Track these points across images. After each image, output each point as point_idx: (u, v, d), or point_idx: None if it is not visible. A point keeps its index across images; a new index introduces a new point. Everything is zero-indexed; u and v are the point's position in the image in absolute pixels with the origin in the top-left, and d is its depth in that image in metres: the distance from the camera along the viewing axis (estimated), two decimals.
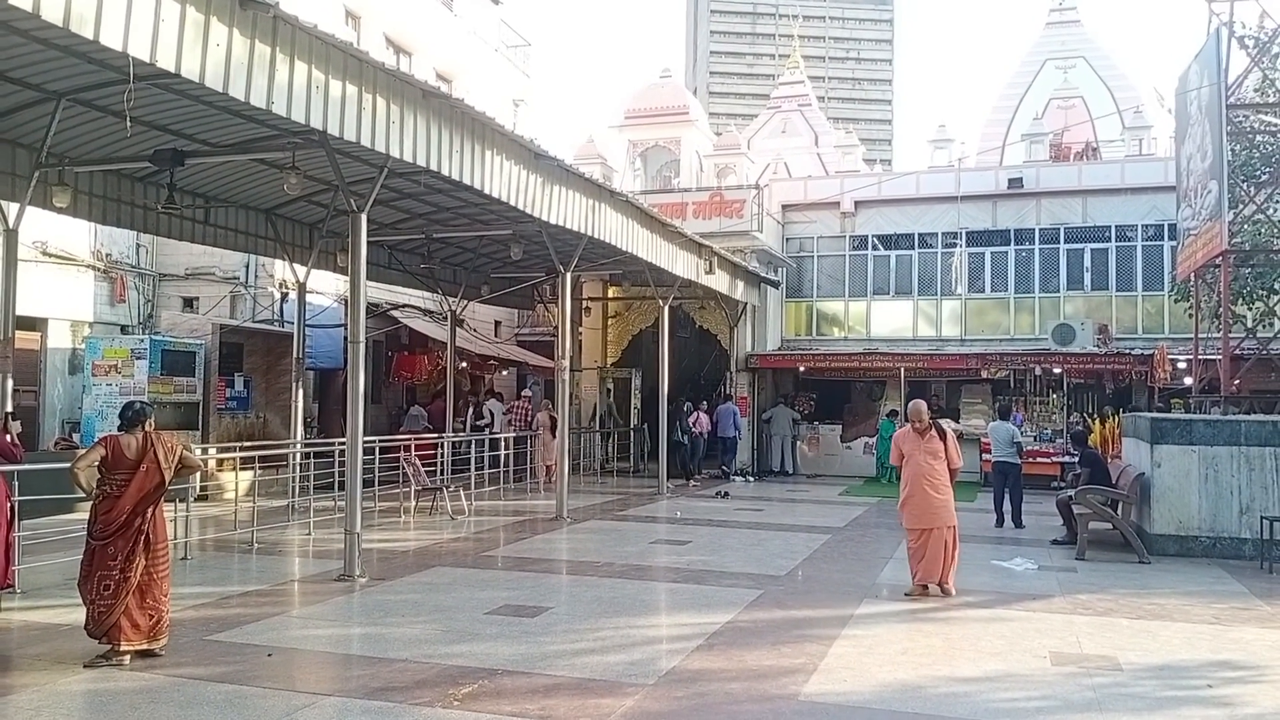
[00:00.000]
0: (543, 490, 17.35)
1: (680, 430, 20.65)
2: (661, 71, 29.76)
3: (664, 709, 5.75)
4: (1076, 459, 14.18)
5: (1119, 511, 11.94)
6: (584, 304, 23.83)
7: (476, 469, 16.49)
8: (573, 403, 20.77)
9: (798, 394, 24.10)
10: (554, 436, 20.07)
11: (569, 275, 14.92)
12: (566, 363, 15.35)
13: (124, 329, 18.80)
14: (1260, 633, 7.89)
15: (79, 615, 7.78)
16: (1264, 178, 17.57)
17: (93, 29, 6.09)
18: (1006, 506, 14.12)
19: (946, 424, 9.87)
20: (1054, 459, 19.81)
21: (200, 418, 16.65)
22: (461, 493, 14.90)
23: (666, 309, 18.89)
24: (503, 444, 17.77)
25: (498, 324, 27.35)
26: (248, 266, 19.64)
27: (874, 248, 24.60)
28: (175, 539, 10.72)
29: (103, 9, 6.09)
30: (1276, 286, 17.61)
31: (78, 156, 11.62)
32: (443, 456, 16.40)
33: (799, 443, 22.97)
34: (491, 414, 21.33)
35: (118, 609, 6.54)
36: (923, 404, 9.47)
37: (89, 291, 18.37)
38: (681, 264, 17.05)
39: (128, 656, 6.50)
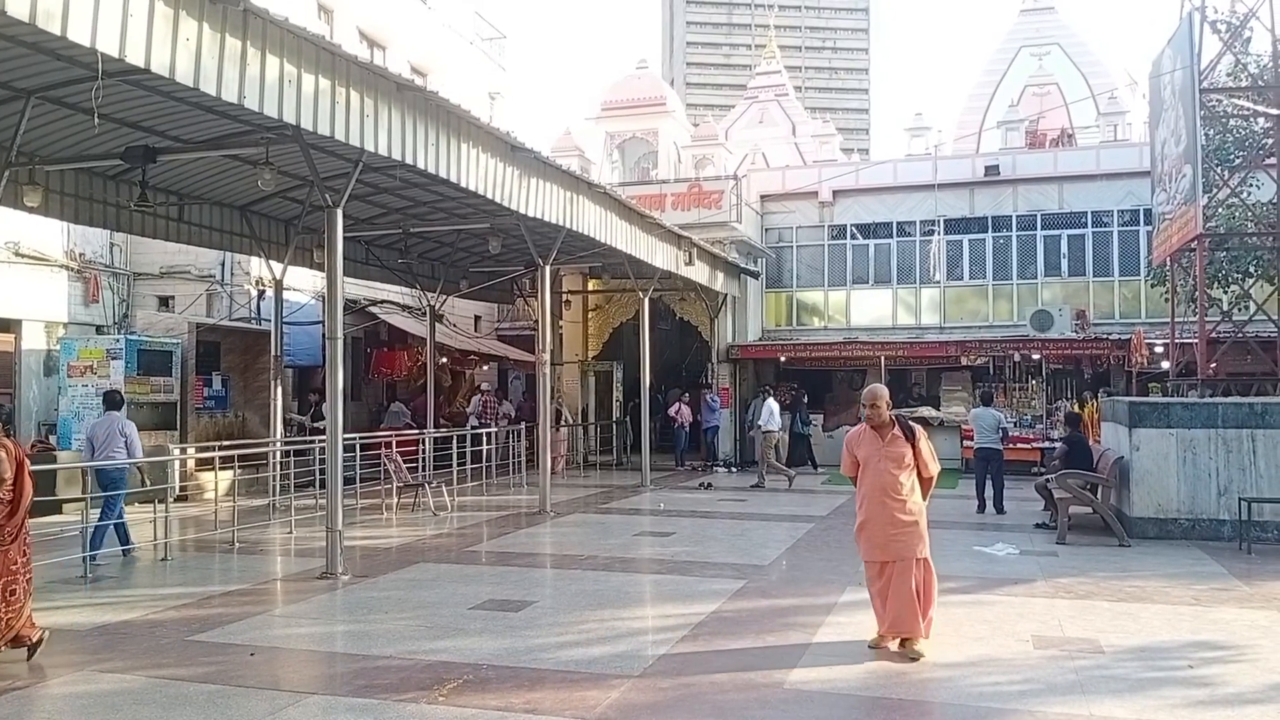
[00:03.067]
0: (525, 485, 17.31)
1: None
2: (638, 63, 29.74)
3: (650, 700, 5.74)
4: (1060, 441, 14.25)
5: (1099, 495, 12.03)
6: (564, 297, 23.78)
7: (459, 464, 16.43)
8: (553, 397, 20.71)
9: (780, 384, 24.13)
10: (557, 428, 20.09)
11: (548, 268, 14.87)
12: (547, 356, 15.32)
13: (99, 329, 18.62)
14: (1239, 613, 7.96)
15: (59, 619, 7.72)
16: (1238, 161, 17.70)
17: (60, 24, 6.01)
18: (989, 492, 14.17)
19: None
20: (1034, 444, 19.93)
21: (178, 417, 16.52)
22: (444, 488, 14.85)
23: (647, 301, 18.88)
24: (484, 439, 17.70)
25: (477, 319, 27.25)
26: (223, 264, 19.48)
27: (853, 237, 24.67)
28: (155, 540, 10.68)
29: (70, 4, 6.01)
30: (1251, 270, 17.74)
31: (48, 155, 11.47)
32: (424, 452, 16.34)
33: (783, 434, 22.99)
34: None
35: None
36: (881, 390, 6.94)
37: (63, 292, 18.18)
38: (661, 255, 17.03)
39: None
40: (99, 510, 10.19)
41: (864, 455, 6.94)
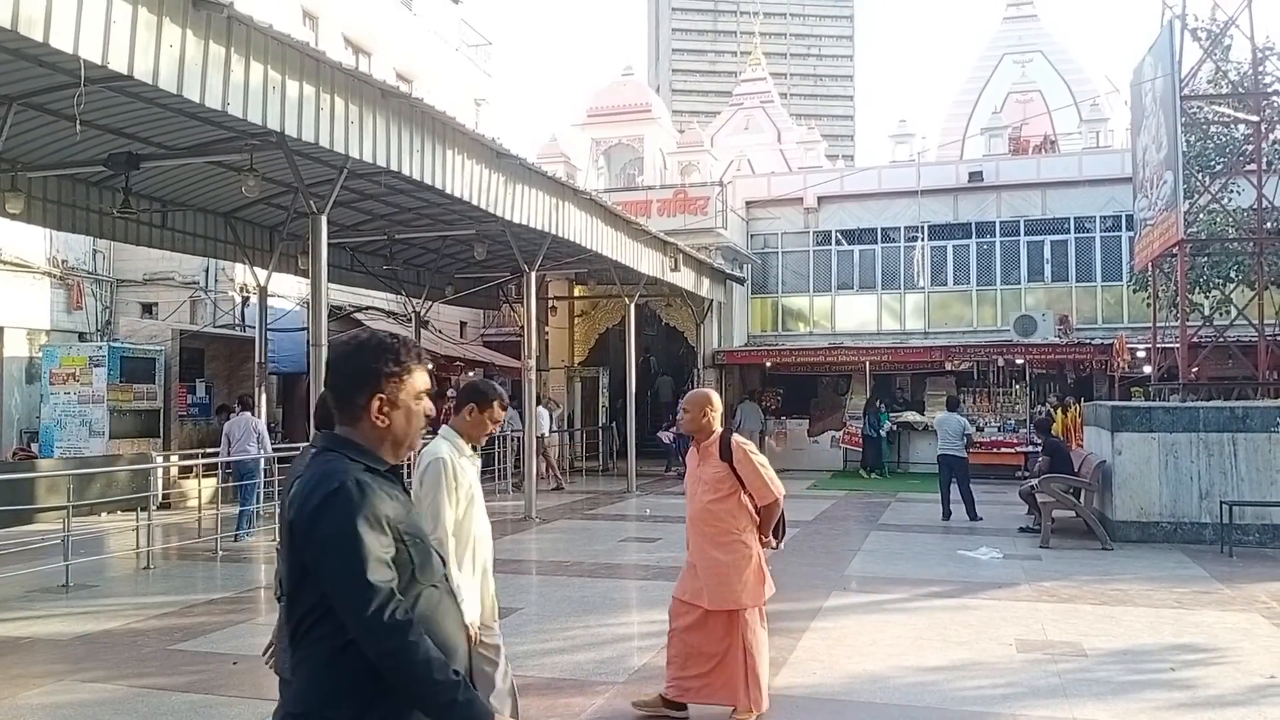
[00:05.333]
0: (511, 490, 17.28)
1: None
2: (624, 69, 29.79)
3: None
4: (1040, 447, 14.25)
5: (1081, 499, 12.09)
6: (550, 303, 23.78)
7: None
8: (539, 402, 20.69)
9: (765, 389, 24.18)
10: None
11: (534, 275, 14.88)
12: (533, 363, 15.32)
13: (82, 336, 18.53)
14: (1221, 615, 8.01)
15: (39, 628, 7.67)
16: (1218, 167, 17.84)
17: (42, 31, 5.99)
18: (956, 498, 14.01)
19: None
20: (1018, 449, 20.01)
21: (161, 425, 16.44)
22: None
23: (633, 307, 18.89)
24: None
25: (463, 325, 27.22)
26: (207, 271, 19.42)
27: (837, 243, 24.75)
28: (137, 548, 10.63)
29: (52, 11, 5.99)
30: (1232, 275, 17.88)
31: (31, 162, 11.42)
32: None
33: (767, 437, 23.03)
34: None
35: None
36: (700, 396, 5.52)
37: (45, 299, 18.08)
38: (647, 262, 17.05)
39: None
40: (238, 498, 12.30)
41: (687, 477, 5.63)
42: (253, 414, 12.92)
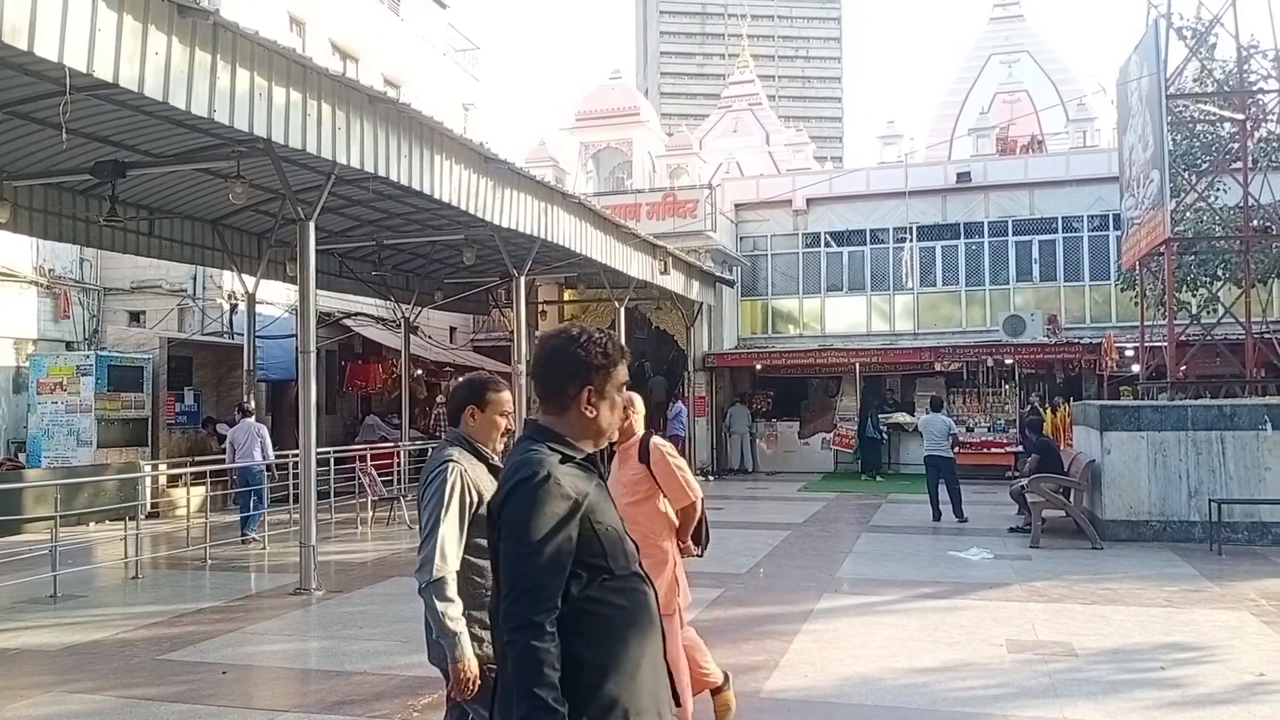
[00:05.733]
0: None
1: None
2: (612, 73, 29.80)
3: None
4: (1031, 442, 14.24)
5: (1071, 499, 12.12)
6: (540, 307, 23.75)
7: None
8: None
9: (755, 392, 24.20)
10: None
11: (523, 279, 14.85)
12: (523, 367, 15.29)
13: (69, 345, 18.44)
14: (1210, 614, 8.04)
15: (28, 639, 7.63)
16: (1204, 166, 17.91)
17: (26, 40, 5.96)
18: (945, 499, 14.05)
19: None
20: (1007, 449, 20.05)
21: (150, 433, 16.37)
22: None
23: (623, 311, 18.88)
24: None
25: (453, 330, 27.17)
26: (195, 278, 19.33)
27: (826, 244, 24.78)
28: (125, 558, 10.58)
29: (37, 19, 5.96)
30: (1219, 273, 17.95)
31: (16, 170, 11.37)
32: (399, 465, 16.26)
33: (758, 440, 23.07)
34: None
35: None
36: (625, 397, 4.32)
37: (32, 308, 18.00)
38: (636, 265, 17.05)
39: None
40: (239, 503, 12.71)
41: (609, 479, 5.53)
42: (253, 419, 13.12)
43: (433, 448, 3.85)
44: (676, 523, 5.12)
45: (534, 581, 2.17)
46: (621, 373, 2.46)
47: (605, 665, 2.21)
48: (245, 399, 14.86)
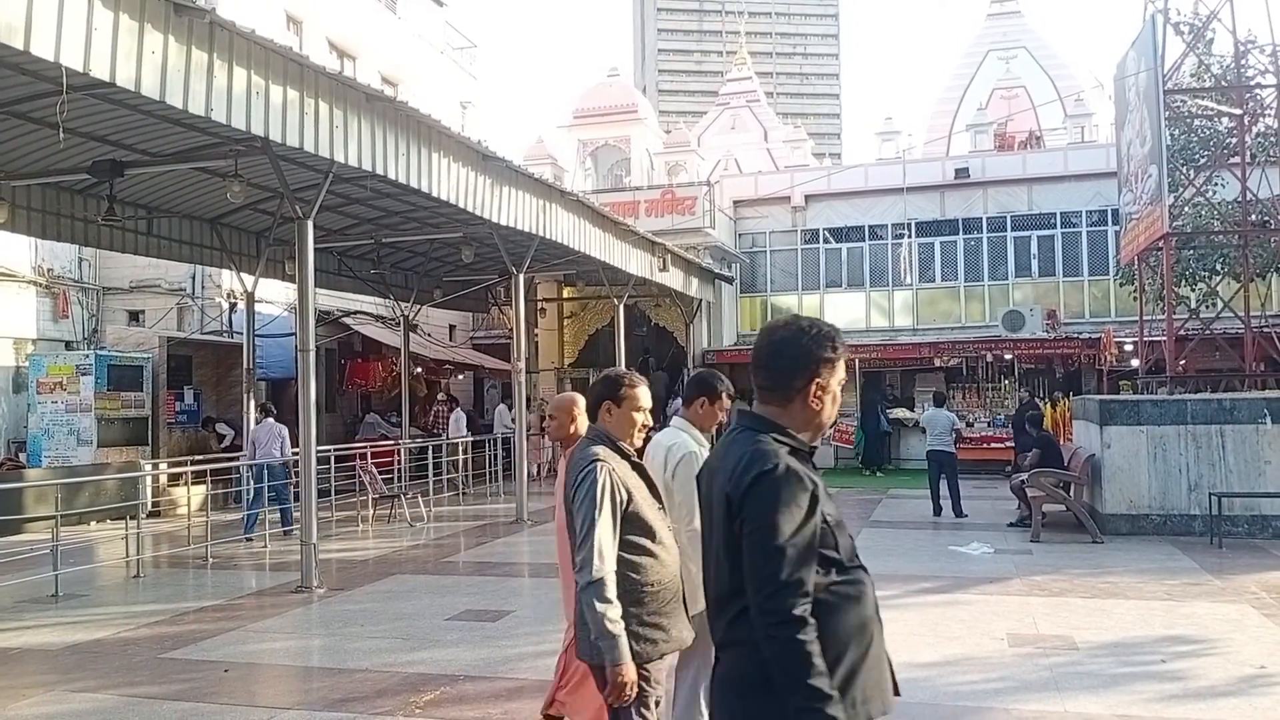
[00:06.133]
0: (502, 494, 17.26)
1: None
2: (609, 70, 29.77)
3: None
4: (1030, 437, 14.21)
5: (1071, 493, 12.13)
6: (539, 305, 23.76)
7: (435, 475, 16.35)
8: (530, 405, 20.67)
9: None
10: (542, 437, 20.09)
11: (522, 276, 14.87)
12: (522, 364, 15.30)
13: (68, 345, 18.45)
14: (1211, 607, 8.05)
15: (29, 638, 7.64)
16: (1202, 161, 17.90)
17: (23, 39, 5.95)
18: (945, 494, 14.01)
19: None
20: (1007, 444, 20.04)
21: (150, 432, 16.37)
22: (420, 499, 14.79)
23: (622, 308, 18.88)
24: (460, 449, 17.64)
25: (452, 328, 27.19)
26: (194, 277, 19.35)
27: (825, 241, 24.78)
28: (126, 557, 10.58)
29: (33, 18, 5.95)
30: (1218, 268, 17.95)
31: (14, 170, 11.36)
32: (400, 463, 16.26)
33: None
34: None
35: None
36: (564, 399, 4.73)
37: (31, 308, 18.00)
38: (635, 262, 17.05)
39: None
40: (253, 499, 13.05)
41: (556, 484, 4.88)
42: (273, 419, 13.44)
43: (578, 443, 3.79)
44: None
45: (791, 575, 2.19)
46: (842, 368, 2.47)
47: (839, 656, 2.25)
48: (243, 398, 14.93)
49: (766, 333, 2.50)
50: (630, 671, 3.31)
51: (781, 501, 2.22)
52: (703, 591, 2.61)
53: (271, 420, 13.36)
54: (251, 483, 13.16)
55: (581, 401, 4.81)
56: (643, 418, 3.73)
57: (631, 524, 3.49)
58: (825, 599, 2.25)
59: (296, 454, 12.16)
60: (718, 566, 2.38)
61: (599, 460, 3.50)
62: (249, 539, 12.55)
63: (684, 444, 4.27)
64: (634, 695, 3.33)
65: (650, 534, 3.55)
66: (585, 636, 3.46)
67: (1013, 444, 19.63)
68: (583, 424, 4.74)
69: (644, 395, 3.74)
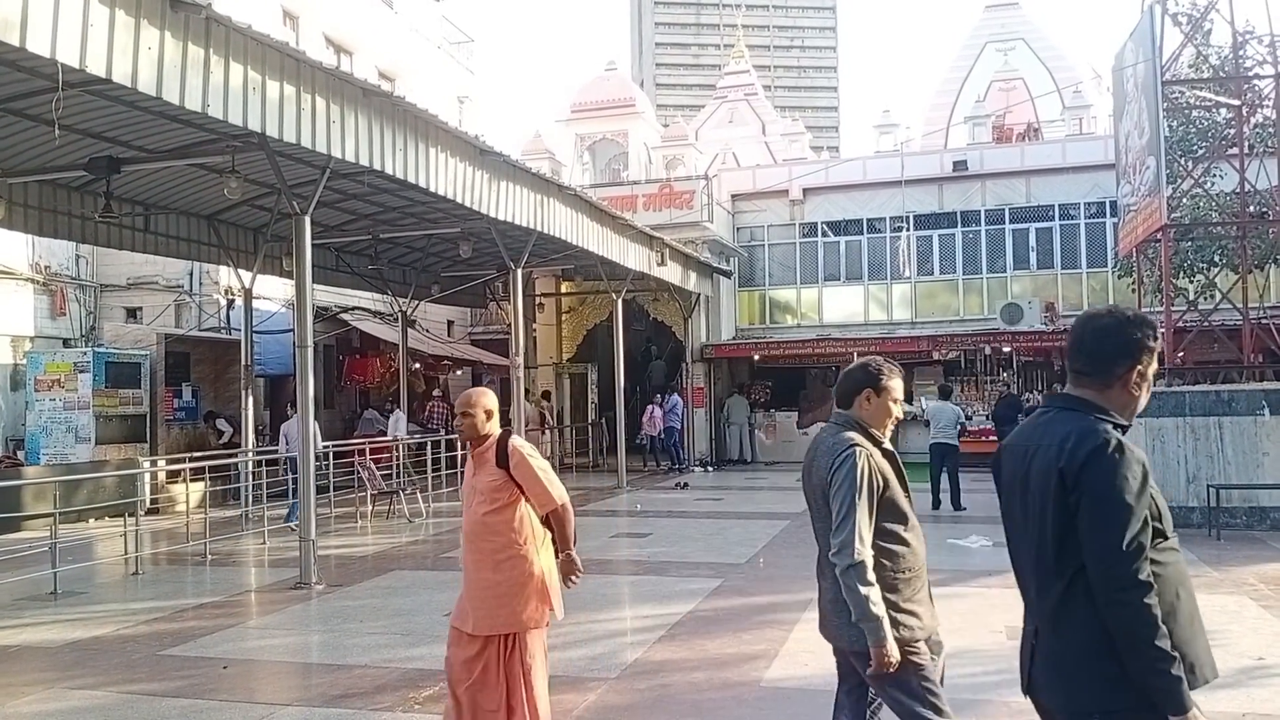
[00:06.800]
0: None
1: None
2: (607, 64, 29.75)
3: (627, 701, 5.74)
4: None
5: None
6: (537, 300, 23.75)
7: (434, 470, 16.34)
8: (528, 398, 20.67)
9: (753, 382, 24.19)
10: (543, 432, 20.13)
11: (520, 271, 14.86)
12: (520, 360, 15.29)
13: (66, 342, 18.43)
14: (1209, 598, 8.04)
15: (29, 636, 7.64)
16: (1200, 152, 17.89)
17: (18, 35, 5.94)
18: (945, 487, 14.00)
19: (522, 439, 4.55)
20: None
21: (148, 429, 16.36)
22: (419, 495, 14.79)
23: (620, 302, 18.87)
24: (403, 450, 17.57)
25: (450, 323, 27.18)
26: (192, 274, 19.33)
27: (823, 234, 24.77)
28: (125, 554, 10.58)
29: (28, 14, 5.94)
30: (1216, 259, 17.94)
31: (10, 167, 11.34)
32: (399, 459, 16.25)
33: (756, 431, 23.08)
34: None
35: None
36: (477, 395, 4.71)
37: (29, 305, 17.98)
38: (633, 257, 17.04)
39: None
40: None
41: (464, 488, 4.87)
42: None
43: (822, 428, 3.82)
44: (539, 530, 4.66)
45: (1134, 542, 2.32)
46: (1157, 358, 2.62)
47: (1170, 623, 2.35)
48: (241, 394, 14.95)
49: (1089, 319, 2.64)
50: (894, 652, 3.37)
51: (1120, 473, 2.36)
52: None
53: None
54: (290, 475, 13.41)
55: (492, 397, 4.73)
56: (898, 409, 3.76)
57: (886, 510, 3.57)
58: (1155, 570, 2.36)
59: (328, 448, 13.77)
60: (1039, 546, 2.51)
61: (856, 445, 3.55)
62: (293, 527, 12.59)
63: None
64: (902, 673, 3.42)
65: (904, 520, 3.64)
66: (843, 620, 3.53)
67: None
68: (494, 422, 4.66)
69: (900, 387, 3.78)
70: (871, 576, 3.38)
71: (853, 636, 3.49)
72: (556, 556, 4.68)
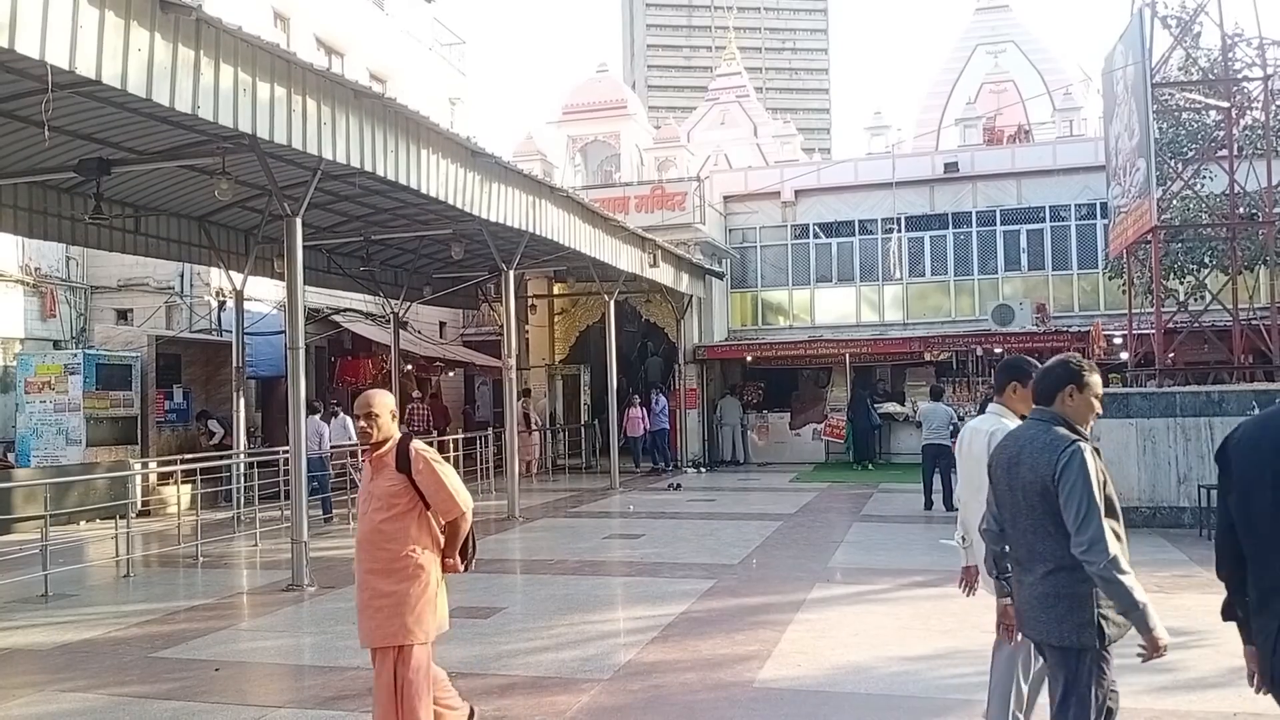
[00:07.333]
0: (494, 490, 17.24)
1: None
2: (599, 66, 29.77)
3: (620, 703, 5.74)
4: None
5: None
6: (529, 302, 23.73)
7: None
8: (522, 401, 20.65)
9: (746, 383, 24.20)
10: (529, 433, 20.11)
11: (512, 273, 14.85)
12: (513, 361, 15.28)
13: (56, 344, 18.34)
14: (1201, 599, 8.07)
15: (19, 639, 7.61)
16: (1190, 154, 17.95)
17: (8, 37, 5.91)
18: (938, 488, 14.03)
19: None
20: None
21: (139, 431, 16.30)
22: None
23: (613, 304, 18.87)
24: (452, 446, 17.58)
25: (443, 325, 27.13)
26: (183, 276, 19.25)
27: (815, 236, 24.81)
28: (117, 556, 10.55)
29: (17, 15, 5.91)
30: (1206, 260, 18.00)
31: (0, 169, 11.30)
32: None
33: (749, 431, 23.10)
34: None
35: None
36: (375, 397, 4.56)
37: (18, 307, 17.90)
38: (625, 258, 17.04)
39: None
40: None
41: (359, 490, 4.81)
42: (317, 416, 14.38)
43: (1025, 425, 3.83)
44: (439, 539, 4.55)
45: None
46: None
47: None
48: (233, 396, 14.93)
49: None
50: (1164, 635, 3.41)
51: None
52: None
53: (315, 418, 14.08)
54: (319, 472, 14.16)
55: (389, 399, 4.60)
56: (1099, 405, 3.77)
57: (1106, 506, 3.59)
58: None
59: (336, 448, 14.63)
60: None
61: (1080, 440, 3.57)
62: (328, 518, 14.11)
63: (1005, 428, 4.40)
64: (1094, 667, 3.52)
65: (1117, 517, 3.66)
66: (1049, 616, 3.57)
67: None
68: (392, 424, 4.54)
69: (1100, 382, 3.78)
70: (1127, 566, 3.41)
71: (1063, 632, 3.55)
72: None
